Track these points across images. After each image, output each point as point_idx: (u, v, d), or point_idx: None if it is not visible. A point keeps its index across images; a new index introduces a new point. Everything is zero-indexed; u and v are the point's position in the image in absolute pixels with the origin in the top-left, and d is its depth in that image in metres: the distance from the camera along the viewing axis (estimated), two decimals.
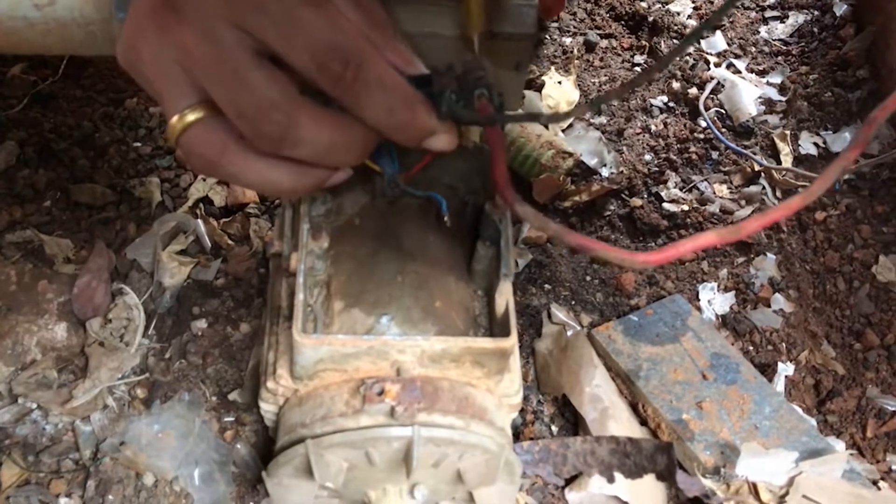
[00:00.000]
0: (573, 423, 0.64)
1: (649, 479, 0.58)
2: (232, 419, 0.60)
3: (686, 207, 0.79)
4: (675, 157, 0.84)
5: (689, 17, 0.98)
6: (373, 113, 0.38)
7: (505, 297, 0.47)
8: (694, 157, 0.84)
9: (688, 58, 0.92)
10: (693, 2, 1.01)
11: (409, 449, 0.43)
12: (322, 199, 0.50)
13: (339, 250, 0.50)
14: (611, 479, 0.53)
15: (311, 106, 0.37)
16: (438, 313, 0.48)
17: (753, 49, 0.95)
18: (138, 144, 0.76)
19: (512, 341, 0.44)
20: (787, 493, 0.56)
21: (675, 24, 0.96)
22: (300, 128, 0.37)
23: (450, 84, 0.40)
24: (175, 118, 0.38)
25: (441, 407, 0.44)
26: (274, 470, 0.47)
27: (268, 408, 0.50)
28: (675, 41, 0.94)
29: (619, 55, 0.96)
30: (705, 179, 0.83)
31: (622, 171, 0.82)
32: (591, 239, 0.36)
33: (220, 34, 0.36)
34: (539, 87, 0.88)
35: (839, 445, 0.64)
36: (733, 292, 0.75)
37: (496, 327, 0.48)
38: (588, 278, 0.75)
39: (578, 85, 0.91)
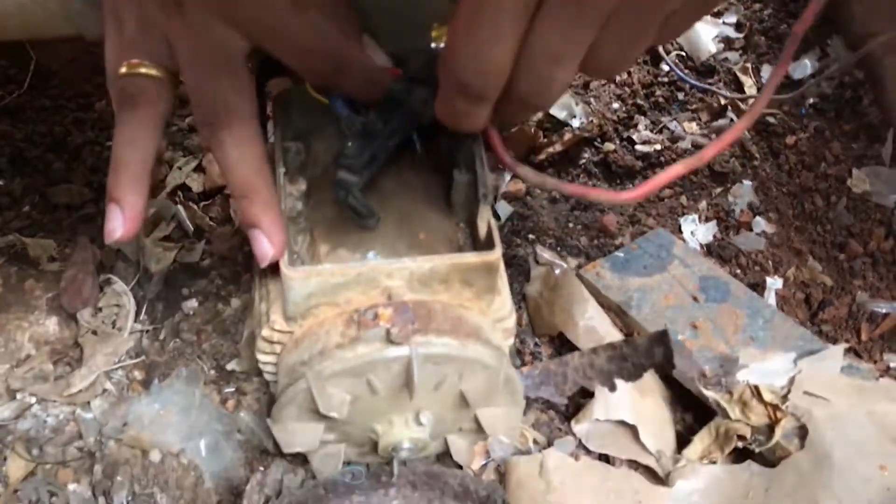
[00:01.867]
0: None
1: (653, 402, 0.59)
2: (232, 389, 0.60)
3: (659, 147, 0.80)
4: (642, 102, 0.85)
5: None
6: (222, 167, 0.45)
7: (486, 218, 0.48)
8: (661, 99, 0.86)
9: None
10: None
11: (409, 369, 0.43)
12: (295, 149, 0.51)
13: (318, 198, 0.50)
14: (612, 388, 0.53)
15: (245, 127, 0.43)
16: (423, 245, 0.48)
17: None
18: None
19: (497, 254, 0.45)
20: (789, 392, 0.56)
21: None
22: (224, 139, 0.43)
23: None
24: (134, 62, 0.44)
25: (435, 327, 0.45)
26: (277, 413, 0.47)
27: (266, 359, 0.50)
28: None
29: None
30: (674, 119, 0.84)
31: (592, 121, 0.83)
32: (584, 186, 0.44)
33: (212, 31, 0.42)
34: None
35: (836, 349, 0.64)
36: (714, 221, 0.76)
37: (480, 248, 0.48)
38: (571, 224, 0.75)
39: None
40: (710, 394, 0.57)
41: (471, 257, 0.45)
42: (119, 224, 0.43)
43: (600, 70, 0.36)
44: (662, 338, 0.53)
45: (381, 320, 0.44)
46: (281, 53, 0.44)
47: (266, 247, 0.44)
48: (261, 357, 0.50)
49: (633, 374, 0.53)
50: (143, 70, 0.43)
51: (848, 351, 0.66)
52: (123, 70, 0.44)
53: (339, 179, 0.45)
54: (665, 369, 0.54)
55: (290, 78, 0.53)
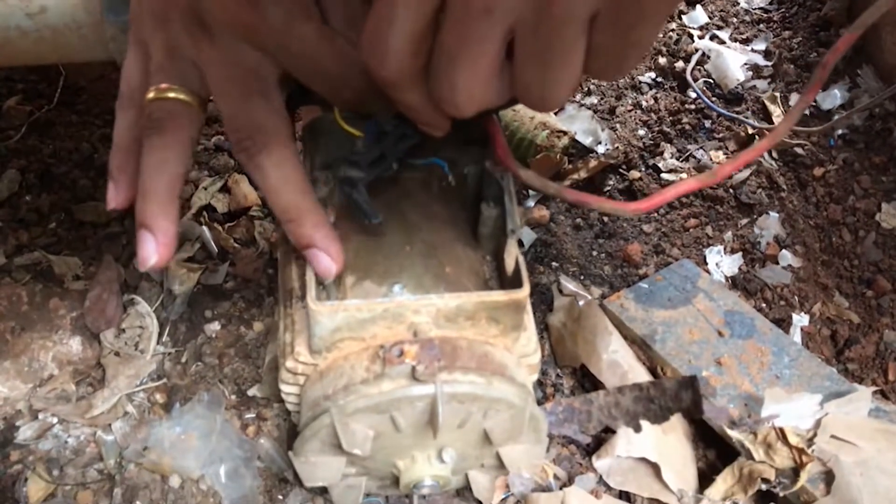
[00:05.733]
0: None
1: (676, 439, 0.58)
2: (253, 415, 0.60)
3: (684, 175, 0.80)
4: (668, 129, 0.85)
5: None
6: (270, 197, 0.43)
7: (513, 253, 0.47)
8: (687, 127, 0.85)
9: (671, 33, 0.93)
10: None
11: (434, 407, 0.43)
12: (324, 178, 0.51)
13: (345, 228, 0.50)
14: (637, 429, 0.53)
15: (283, 149, 0.42)
16: (449, 278, 0.48)
17: (735, 20, 0.96)
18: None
19: (525, 292, 0.44)
20: (815, 435, 0.56)
21: None
22: (263, 162, 0.42)
23: None
24: (163, 86, 0.43)
25: (461, 364, 0.44)
26: (300, 447, 0.46)
27: (289, 389, 0.49)
28: None
29: None
30: (701, 147, 0.83)
31: (618, 147, 0.83)
32: (587, 193, 0.40)
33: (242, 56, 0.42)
34: None
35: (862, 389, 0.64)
36: (740, 253, 0.75)
37: (507, 283, 0.48)
38: (595, 253, 0.75)
39: None
40: (735, 434, 0.56)
41: (498, 295, 0.44)
42: (152, 251, 0.42)
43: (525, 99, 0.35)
44: (692, 383, 0.52)
45: (407, 357, 0.44)
46: (309, 80, 0.44)
47: (327, 263, 0.43)
48: (284, 387, 0.49)
49: (660, 417, 0.53)
50: (171, 94, 0.43)
51: (875, 392, 0.65)
52: (151, 95, 0.43)
53: (346, 176, 0.44)
54: (692, 414, 0.53)
55: (321, 107, 0.53)
